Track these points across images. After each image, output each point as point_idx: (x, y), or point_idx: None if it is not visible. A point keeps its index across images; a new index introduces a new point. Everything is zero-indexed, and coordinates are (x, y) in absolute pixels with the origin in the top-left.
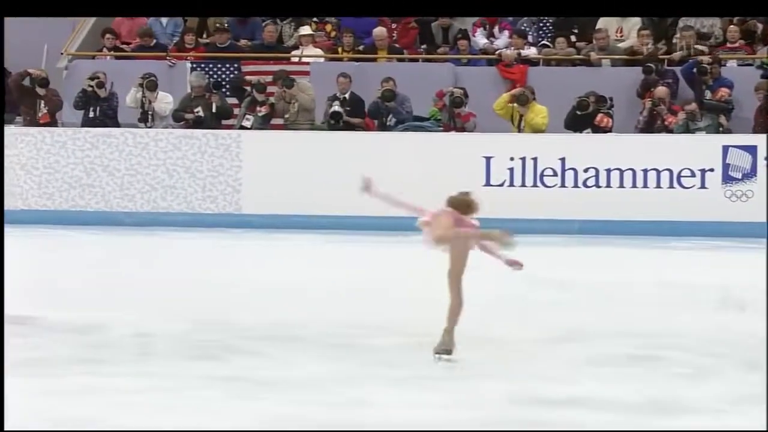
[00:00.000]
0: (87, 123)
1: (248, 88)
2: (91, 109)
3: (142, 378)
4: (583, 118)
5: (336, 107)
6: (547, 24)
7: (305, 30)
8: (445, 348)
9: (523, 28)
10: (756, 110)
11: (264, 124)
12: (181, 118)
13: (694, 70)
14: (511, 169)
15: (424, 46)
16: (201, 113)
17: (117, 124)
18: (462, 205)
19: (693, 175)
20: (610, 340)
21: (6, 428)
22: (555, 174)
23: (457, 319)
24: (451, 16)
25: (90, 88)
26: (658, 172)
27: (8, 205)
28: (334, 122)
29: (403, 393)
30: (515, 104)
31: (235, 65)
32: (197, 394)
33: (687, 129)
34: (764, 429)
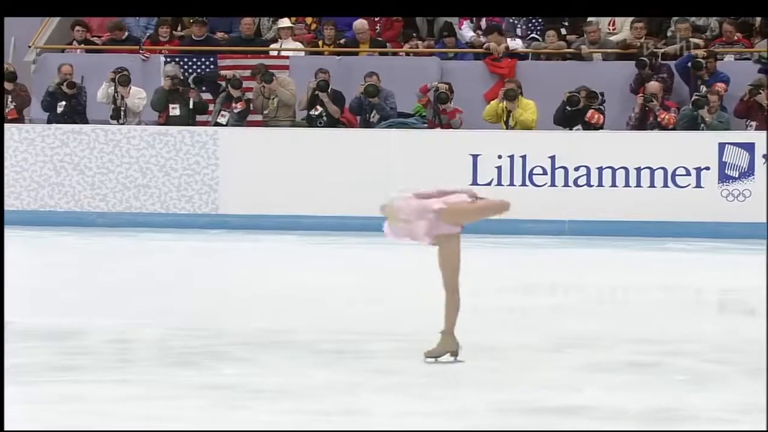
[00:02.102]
0: (54, 119)
1: (223, 84)
2: (58, 104)
3: (124, 386)
4: (573, 114)
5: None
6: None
7: (284, 23)
8: (453, 350)
9: (511, 21)
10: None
11: (240, 120)
12: (164, 108)
13: (689, 64)
14: (499, 168)
15: (412, 40)
16: (178, 111)
17: (85, 120)
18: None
19: (688, 173)
20: (610, 346)
21: (6, 428)
22: (544, 172)
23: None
24: (438, 15)
25: (57, 89)
26: (652, 170)
27: None
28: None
29: (397, 401)
30: (503, 101)
31: (212, 59)
32: (182, 404)
33: (694, 123)
34: None
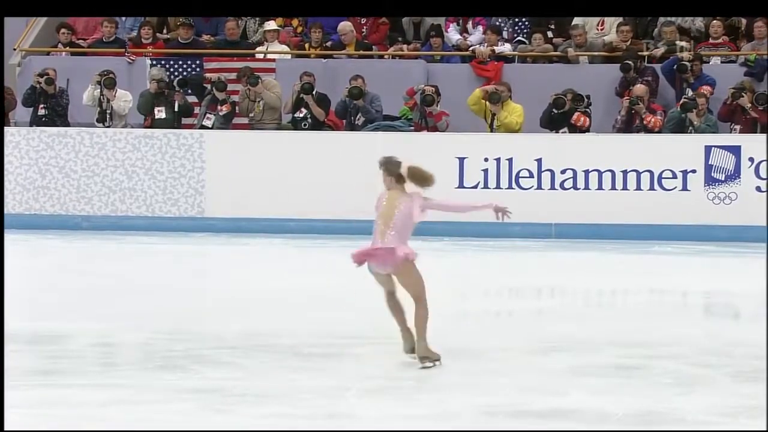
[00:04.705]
0: (35, 121)
1: (208, 86)
2: (40, 106)
3: (108, 390)
4: (559, 116)
5: None
6: (523, 20)
7: (270, 25)
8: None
9: (498, 23)
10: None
11: (226, 123)
12: (149, 111)
13: (675, 67)
14: (486, 171)
15: (397, 44)
16: (163, 114)
17: (66, 123)
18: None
19: (674, 176)
20: (596, 349)
21: (6, 428)
22: (531, 175)
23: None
24: (425, 16)
25: (38, 85)
26: (638, 173)
27: None
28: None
29: (381, 405)
30: (487, 103)
31: (197, 62)
32: (167, 407)
33: (682, 126)
34: None
